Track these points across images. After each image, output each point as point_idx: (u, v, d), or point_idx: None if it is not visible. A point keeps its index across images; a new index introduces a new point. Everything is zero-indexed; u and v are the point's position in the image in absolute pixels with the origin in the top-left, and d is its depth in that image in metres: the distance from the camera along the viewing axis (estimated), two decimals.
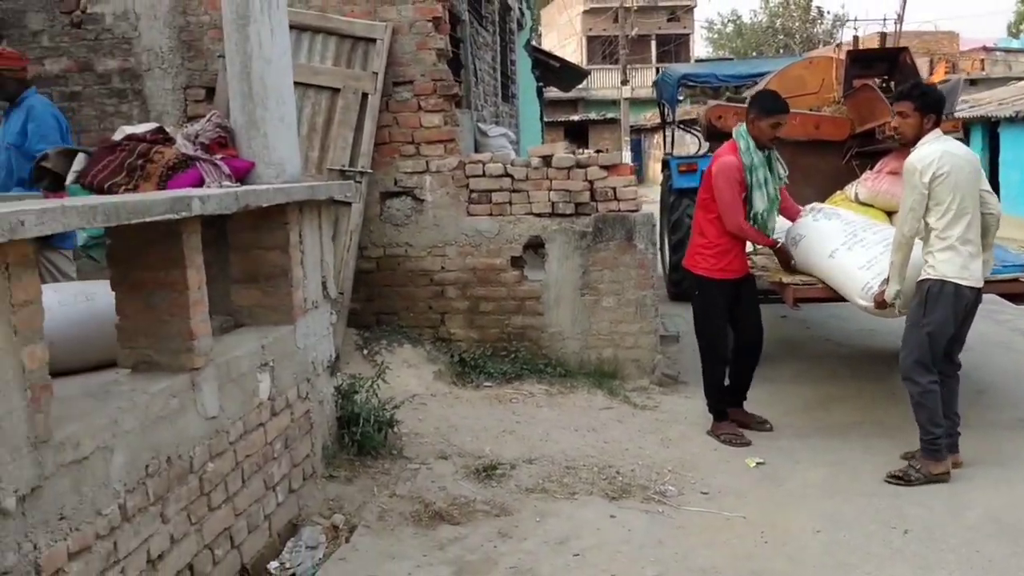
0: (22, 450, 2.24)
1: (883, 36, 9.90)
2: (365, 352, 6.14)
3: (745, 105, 8.37)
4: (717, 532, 4.14)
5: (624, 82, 32.34)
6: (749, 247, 5.69)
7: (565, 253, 6.49)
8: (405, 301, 6.62)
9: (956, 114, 8.30)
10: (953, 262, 4.47)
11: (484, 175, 6.52)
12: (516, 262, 6.55)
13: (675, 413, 5.95)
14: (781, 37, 49.48)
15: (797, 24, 50.16)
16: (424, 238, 6.59)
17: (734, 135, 5.39)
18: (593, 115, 36.64)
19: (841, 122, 7.60)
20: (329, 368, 4.54)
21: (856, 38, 10.25)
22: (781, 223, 5.74)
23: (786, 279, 5.65)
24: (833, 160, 7.59)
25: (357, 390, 4.79)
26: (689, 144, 13.74)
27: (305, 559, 3.68)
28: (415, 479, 4.47)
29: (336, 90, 6.30)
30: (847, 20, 44.17)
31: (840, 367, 7.14)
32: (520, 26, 13.47)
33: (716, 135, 8.19)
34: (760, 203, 5.34)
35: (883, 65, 7.98)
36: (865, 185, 6.27)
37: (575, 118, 36.26)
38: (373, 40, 6.32)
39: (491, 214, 6.53)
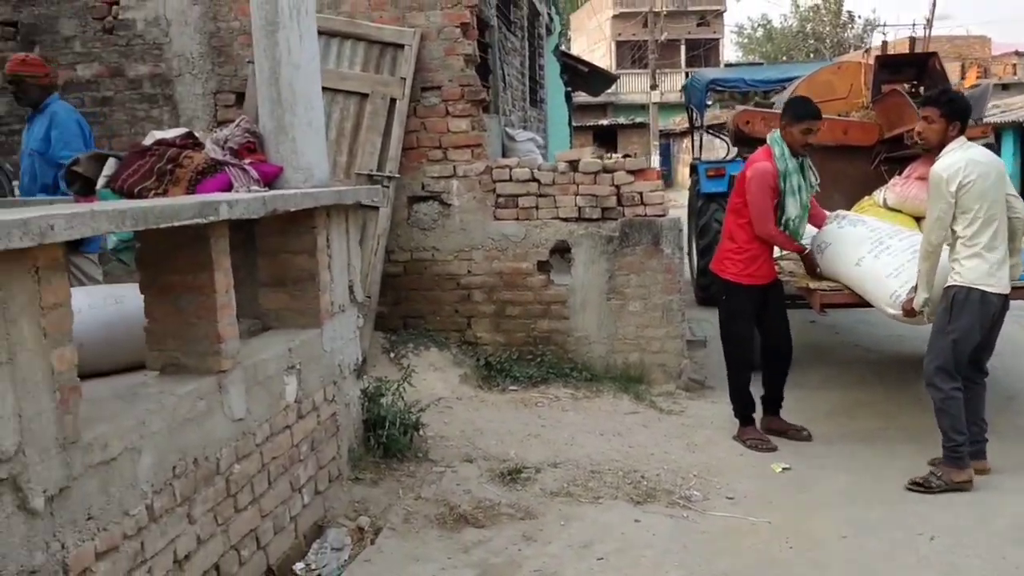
0: (51, 451, 2.27)
1: (912, 41, 9.80)
2: (392, 355, 6.17)
3: (773, 110, 8.37)
4: (742, 537, 4.13)
5: (653, 87, 32.27)
6: (776, 252, 5.67)
7: (591, 257, 6.49)
8: (432, 305, 6.66)
9: (987, 119, 8.19)
10: (980, 268, 4.44)
11: (511, 180, 6.54)
12: (542, 266, 6.57)
13: (701, 418, 5.93)
14: (811, 42, 49.07)
15: (828, 29, 49.72)
16: (451, 242, 6.62)
17: (768, 141, 5.37)
18: (622, 119, 36.56)
19: (869, 127, 7.54)
20: (356, 371, 4.57)
21: (885, 43, 10.15)
22: (808, 229, 5.71)
23: (813, 284, 5.63)
24: (861, 165, 7.53)
25: (383, 393, 4.82)
26: (719, 148, 13.70)
27: (330, 561, 3.71)
28: (440, 482, 4.49)
29: (364, 95, 6.34)
30: (878, 24, 43.81)
31: (868, 373, 7.08)
32: (549, 31, 13.49)
33: (744, 140, 8.16)
34: (793, 209, 5.31)
35: (912, 70, 7.91)
36: (893, 190, 6.22)
37: (604, 122, 36.21)
38: (401, 46, 6.36)
39: (518, 218, 6.55)
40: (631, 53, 40.75)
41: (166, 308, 3.15)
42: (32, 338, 2.23)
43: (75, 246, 4.79)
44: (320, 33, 5.18)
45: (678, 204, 14.99)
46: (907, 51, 9.21)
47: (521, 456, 4.93)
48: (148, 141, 4.52)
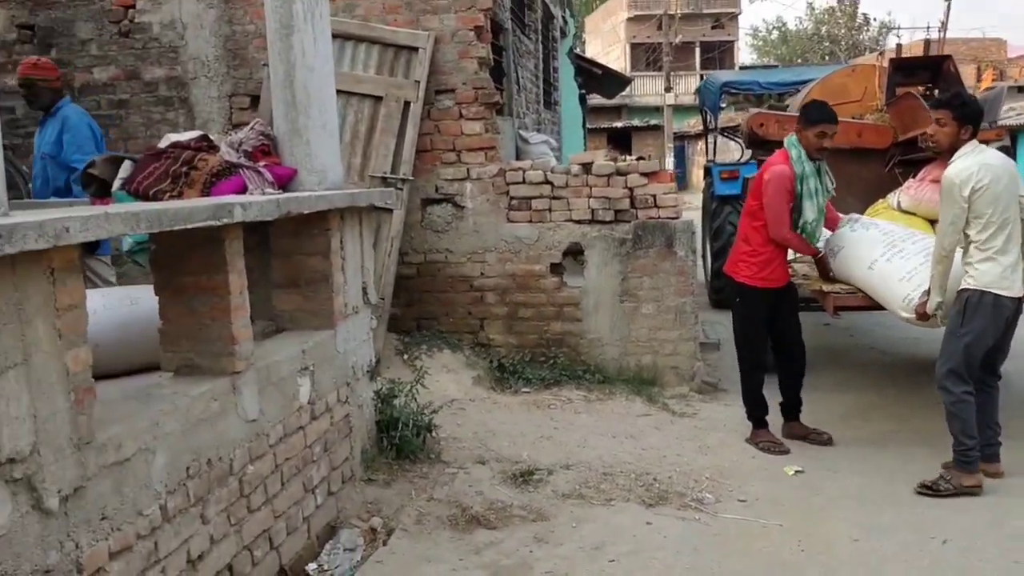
0: (65, 451, 2.29)
1: (927, 44, 9.75)
2: (405, 357, 6.19)
3: (787, 113, 8.36)
4: (754, 540, 4.12)
5: (668, 89, 32.24)
6: (790, 255, 5.66)
7: (604, 260, 6.50)
8: (445, 307, 6.68)
9: (1002, 122, 8.14)
10: (993, 272, 4.42)
11: (524, 182, 6.56)
12: (555, 268, 6.58)
13: (714, 420, 5.92)
14: (827, 44, 48.87)
15: (843, 31, 49.50)
16: (464, 244, 6.64)
17: (786, 144, 5.36)
18: (636, 122, 36.55)
19: (883, 130, 7.51)
20: (369, 372, 4.59)
21: (899, 46, 10.11)
22: (823, 232, 5.70)
23: (826, 287, 5.63)
24: (875, 168, 7.50)
25: (396, 394, 4.83)
26: (734, 151, 13.65)
27: (343, 561, 3.72)
28: (452, 483, 4.50)
29: (379, 98, 6.37)
30: (893, 27, 43.57)
31: (882, 376, 7.06)
32: (563, 34, 13.50)
33: (758, 142, 8.14)
34: (811, 213, 5.30)
35: (926, 73, 7.88)
36: (908, 193, 6.21)
37: (618, 125, 36.21)
38: (416, 49, 6.39)
39: (531, 221, 6.56)
40: (646, 55, 40.73)
41: (180, 309, 3.17)
42: (47, 339, 2.26)
43: (88, 248, 4.83)
44: (335, 36, 5.20)
45: (692, 206, 14.95)
46: (921, 54, 9.17)
47: (533, 458, 4.93)
48: (163, 144, 4.55)
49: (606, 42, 43.29)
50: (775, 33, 54.47)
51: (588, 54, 32.13)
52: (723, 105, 12.53)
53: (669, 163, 27.04)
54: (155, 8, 6.69)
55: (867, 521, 4.29)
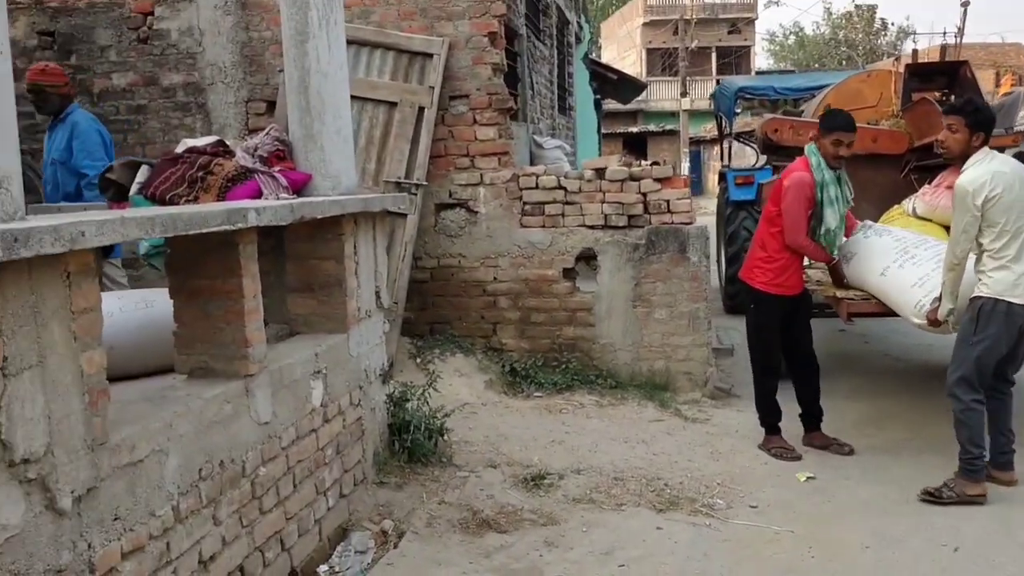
0: (79, 452, 2.33)
1: (943, 49, 9.73)
2: (418, 360, 6.22)
3: (801, 119, 8.34)
4: (764, 546, 4.11)
5: (683, 94, 32.19)
6: (805, 261, 5.64)
7: (617, 265, 6.51)
8: (458, 311, 6.71)
9: (1019, 128, 8.09)
10: (1006, 280, 4.40)
11: (537, 187, 6.58)
12: (568, 274, 6.60)
13: (726, 426, 5.91)
14: (844, 49, 48.67)
15: (860, 36, 49.29)
16: (477, 249, 6.66)
17: (806, 151, 5.35)
18: (652, 127, 36.51)
19: (899, 136, 7.48)
20: (381, 376, 4.62)
21: (915, 51, 10.07)
22: None
23: (840, 294, 5.62)
24: (891, 174, 7.47)
25: (408, 398, 4.86)
26: (750, 156, 13.64)
27: (354, 563, 3.75)
28: (464, 487, 4.51)
29: (393, 104, 6.41)
30: (911, 32, 43.35)
31: (896, 382, 7.03)
32: (578, 39, 13.53)
33: (772, 148, 8.14)
34: (832, 220, 5.28)
35: (943, 79, 7.85)
36: (923, 199, 6.19)
37: (634, 130, 36.17)
38: (430, 55, 6.43)
39: (544, 226, 6.58)
40: (661, 60, 40.70)
41: (195, 312, 3.21)
42: (62, 341, 2.29)
43: (102, 252, 4.89)
44: (350, 43, 5.25)
45: (708, 211, 14.95)
46: (938, 59, 9.14)
47: (545, 462, 4.95)
48: (180, 149, 4.60)
49: (622, 47, 43.28)
50: (792, 38, 54.32)
51: (604, 59, 32.17)
52: (738, 110, 12.52)
53: (685, 168, 27.00)
54: (173, 15, 6.76)
55: (879, 529, 4.27)
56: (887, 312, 5.37)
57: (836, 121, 5.29)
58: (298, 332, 4.11)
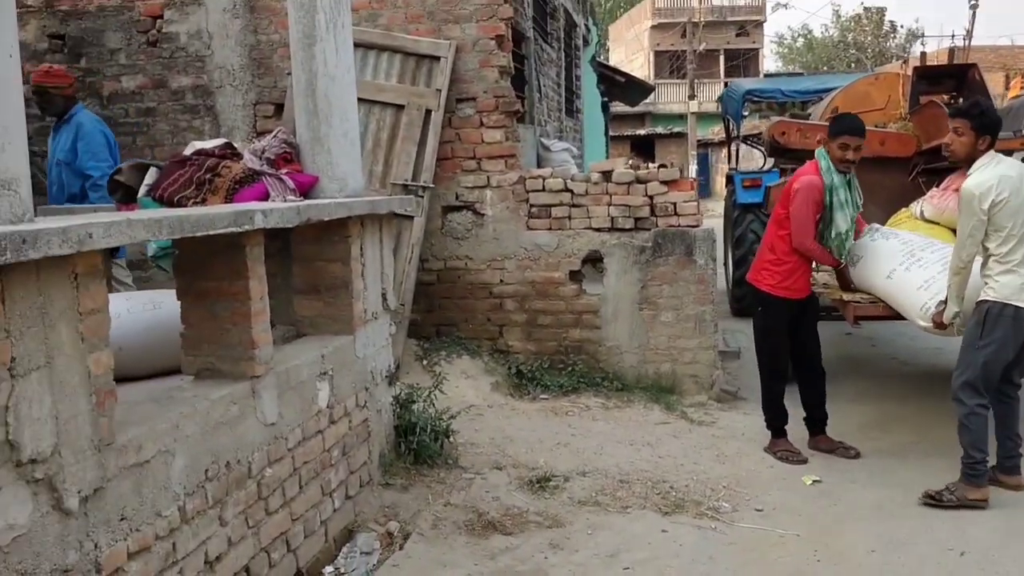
0: (86, 452, 2.34)
1: (951, 52, 9.69)
2: (425, 362, 6.24)
3: (808, 121, 8.33)
4: (769, 549, 4.11)
5: (691, 96, 32.17)
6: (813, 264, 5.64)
7: (624, 267, 6.51)
8: (464, 313, 6.72)
9: None
10: (1013, 284, 4.38)
11: (544, 190, 6.59)
12: (574, 276, 6.60)
13: (732, 429, 5.91)
14: (852, 52, 48.53)
15: (869, 39, 49.14)
16: (484, 251, 6.68)
17: (816, 155, 5.35)
18: (660, 129, 36.50)
19: (907, 139, 7.46)
20: (388, 378, 4.63)
21: (923, 54, 10.05)
22: None
23: (847, 297, 5.61)
24: (898, 177, 7.45)
25: (415, 400, 4.87)
26: (758, 159, 13.62)
27: (359, 565, 3.76)
28: (469, 489, 4.52)
29: (400, 107, 6.43)
30: (920, 35, 43.20)
31: (903, 386, 7.02)
32: (586, 42, 13.54)
33: (779, 151, 8.12)
34: (843, 224, 5.29)
35: (951, 82, 7.83)
36: (931, 202, 6.17)
37: (642, 132, 36.17)
38: (437, 58, 6.45)
39: (550, 228, 6.59)
40: (669, 63, 40.68)
41: (202, 314, 3.23)
42: (70, 342, 2.31)
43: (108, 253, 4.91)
44: (358, 45, 5.26)
45: (715, 214, 14.96)
46: (946, 62, 9.11)
47: (550, 464, 4.95)
48: (188, 151, 4.63)
49: (630, 50, 43.26)
50: (800, 41, 54.20)
51: (612, 62, 32.16)
52: (745, 113, 12.50)
53: (692, 171, 26.98)
54: (182, 18, 6.79)
55: (885, 532, 4.27)
56: (894, 315, 5.37)
57: (843, 125, 5.29)
58: (305, 334, 4.12)
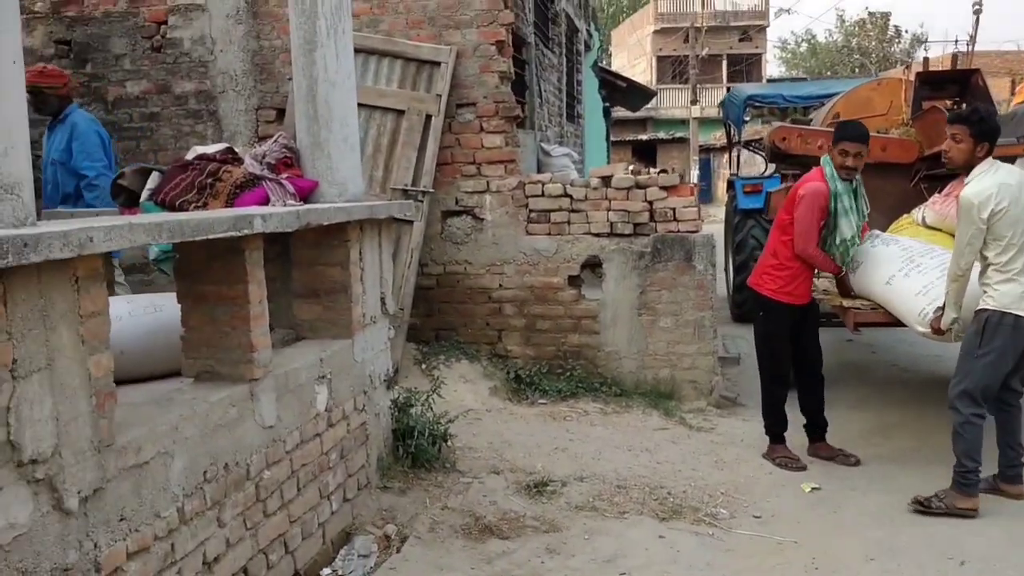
0: (86, 453, 2.37)
1: (954, 57, 9.70)
2: (423, 367, 6.26)
3: (810, 127, 8.35)
4: (767, 556, 4.11)
5: (694, 102, 32.21)
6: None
7: (623, 273, 6.53)
8: (463, 317, 6.75)
9: None
10: (1013, 292, 4.38)
11: (543, 195, 6.62)
12: (573, 281, 6.63)
13: (731, 435, 5.92)
14: (857, 57, 48.54)
15: (874, 44, 49.12)
16: (483, 256, 6.71)
17: (821, 161, 5.37)
18: (662, 134, 36.53)
19: (909, 144, 7.48)
20: (386, 381, 4.65)
21: (926, 59, 10.06)
22: None
23: (847, 303, 5.63)
24: (900, 183, 7.46)
25: (413, 403, 4.89)
26: (760, 165, 13.65)
27: (357, 567, 3.78)
28: (467, 492, 4.54)
29: (401, 112, 6.46)
30: (924, 39, 43.17)
31: (903, 393, 7.02)
32: (588, 47, 13.58)
33: (780, 156, 8.14)
34: (847, 230, 5.31)
35: (954, 87, 7.83)
36: (933, 208, 6.17)
37: (644, 137, 36.21)
38: (438, 63, 6.48)
39: (549, 233, 6.62)
40: (672, 68, 40.72)
41: (202, 317, 3.25)
42: (71, 345, 2.33)
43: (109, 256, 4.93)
44: (358, 51, 5.30)
45: (717, 219, 14.98)
46: (949, 68, 9.12)
47: (548, 469, 4.97)
48: (190, 156, 4.66)
49: (632, 55, 43.32)
50: (804, 45, 54.20)
51: (614, 67, 32.25)
52: (747, 118, 12.52)
53: (694, 176, 26.97)
54: (186, 24, 6.83)
55: (884, 540, 4.26)
56: (894, 322, 5.37)
57: (843, 131, 5.31)
58: (304, 337, 4.14)
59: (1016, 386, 4.76)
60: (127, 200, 4.77)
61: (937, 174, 7.16)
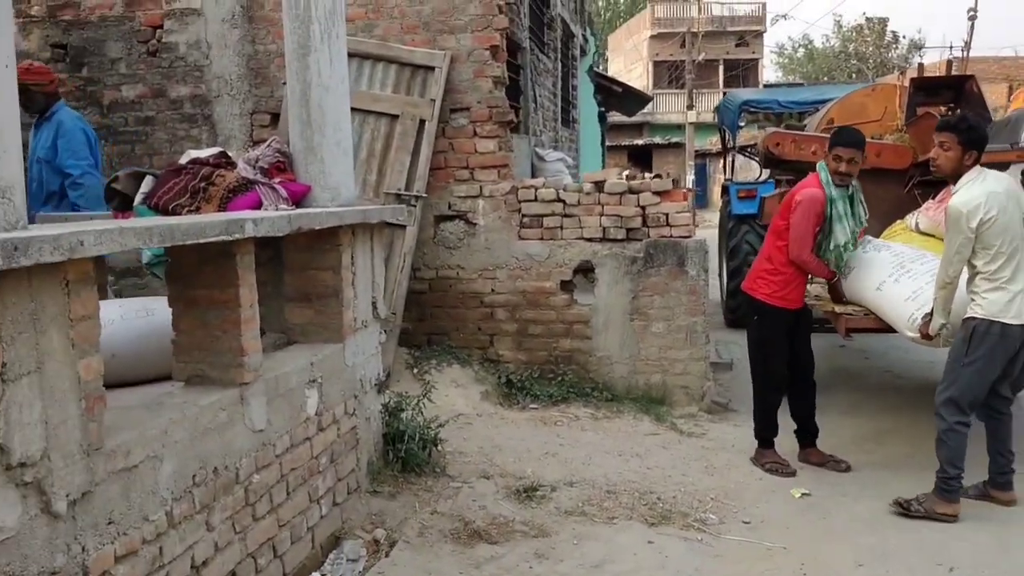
0: (75, 456, 2.38)
1: (949, 63, 9.72)
2: (415, 371, 6.27)
3: (804, 133, 8.37)
4: (756, 562, 4.12)
5: (690, 107, 32.27)
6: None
7: (615, 278, 6.55)
8: (455, 322, 6.76)
9: None
10: (1001, 301, 4.39)
11: (536, 200, 6.63)
12: (566, 286, 6.64)
13: (722, 441, 5.93)
14: (854, 62, 48.60)
15: (871, 49, 49.20)
16: (475, 261, 6.72)
17: (817, 167, 5.39)
18: (658, 139, 36.60)
19: (903, 150, 7.49)
20: (377, 386, 4.67)
21: (921, 65, 10.08)
22: None
23: (839, 309, 5.64)
24: (894, 189, 7.49)
25: (404, 408, 4.90)
26: (755, 169, 13.69)
27: (346, 572, 3.79)
28: (456, 497, 4.55)
29: (395, 116, 6.48)
30: (922, 45, 43.24)
31: (896, 399, 7.03)
32: (583, 52, 13.61)
33: (774, 162, 8.16)
34: (841, 236, 5.32)
35: (949, 93, 7.85)
36: (926, 214, 6.19)
37: (639, 142, 36.26)
38: (432, 68, 6.50)
39: (542, 238, 6.63)
40: (668, 73, 40.81)
41: (193, 321, 3.26)
42: (60, 348, 2.34)
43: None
44: (353, 56, 5.31)
45: (712, 224, 14.98)
46: (944, 73, 9.14)
47: (538, 474, 4.98)
48: (184, 160, 4.68)
49: (629, 60, 43.40)
50: (801, 51, 54.29)
51: (611, 72, 32.30)
52: (742, 124, 12.56)
53: (690, 181, 27.03)
54: (182, 28, 6.84)
55: (874, 546, 4.27)
56: (885, 328, 5.38)
57: (838, 137, 5.33)
58: (295, 341, 4.16)
59: (1006, 393, 4.77)
60: (121, 204, 4.78)
61: (931, 180, 7.18)
